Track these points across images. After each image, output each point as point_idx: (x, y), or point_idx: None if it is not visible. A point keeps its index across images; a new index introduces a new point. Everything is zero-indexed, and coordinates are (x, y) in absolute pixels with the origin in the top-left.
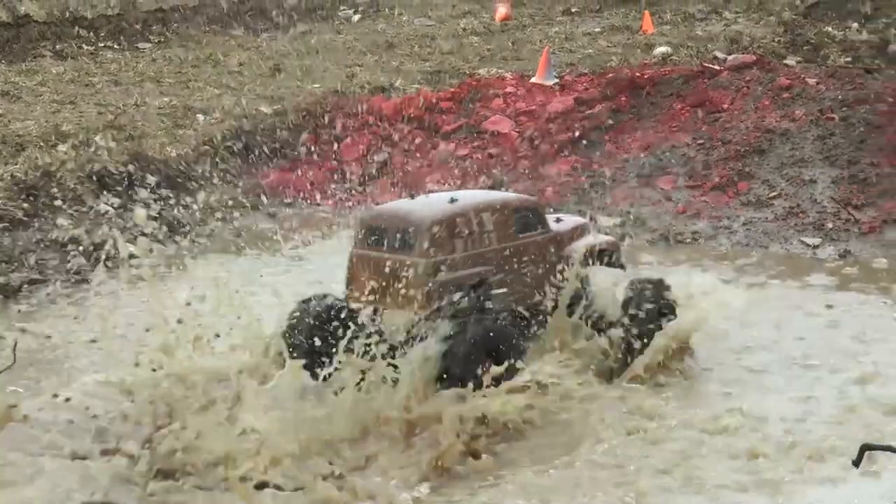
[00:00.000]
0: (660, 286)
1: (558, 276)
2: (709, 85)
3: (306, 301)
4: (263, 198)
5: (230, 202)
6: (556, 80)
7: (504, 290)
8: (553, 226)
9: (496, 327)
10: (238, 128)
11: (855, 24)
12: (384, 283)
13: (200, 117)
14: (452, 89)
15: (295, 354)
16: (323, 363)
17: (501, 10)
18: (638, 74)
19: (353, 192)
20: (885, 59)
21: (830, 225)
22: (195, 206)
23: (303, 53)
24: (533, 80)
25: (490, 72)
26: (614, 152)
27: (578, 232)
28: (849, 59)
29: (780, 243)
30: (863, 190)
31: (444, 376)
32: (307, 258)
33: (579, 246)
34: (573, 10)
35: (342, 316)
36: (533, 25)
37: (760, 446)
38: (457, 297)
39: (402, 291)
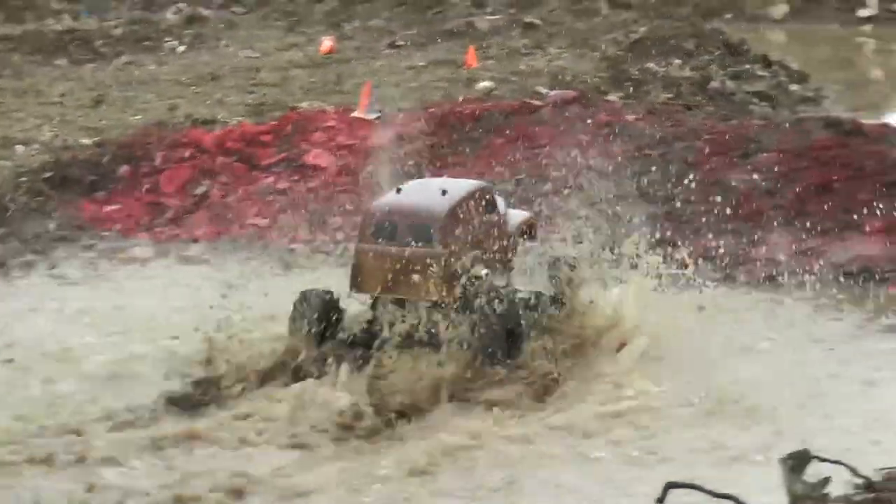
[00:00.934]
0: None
1: (508, 251)
2: (530, 120)
3: (305, 293)
4: (81, 230)
5: (46, 234)
6: (378, 114)
7: (486, 269)
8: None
9: (511, 305)
10: (57, 159)
11: (677, 61)
12: (400, 275)
13: (19, 148)
14: (274, 122)
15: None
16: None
17: (326, 43)
18: (460, 109)
19: (172, 224)
20: (705, 96)
21: (646, 262)
22: (12, 238)
23: (126, 85)
24: (355, 113)
25: (312, 105)
26: None
27: (505, 211)
28: (670, 95)
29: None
30: (678, 227)
31: (488, 355)
32: (124, 290)
33: (516, 222)
34: (398, 43)
35: (338, 307)
36: (358, 59)
37: None
38: (476, 280)
39: (424, 281)
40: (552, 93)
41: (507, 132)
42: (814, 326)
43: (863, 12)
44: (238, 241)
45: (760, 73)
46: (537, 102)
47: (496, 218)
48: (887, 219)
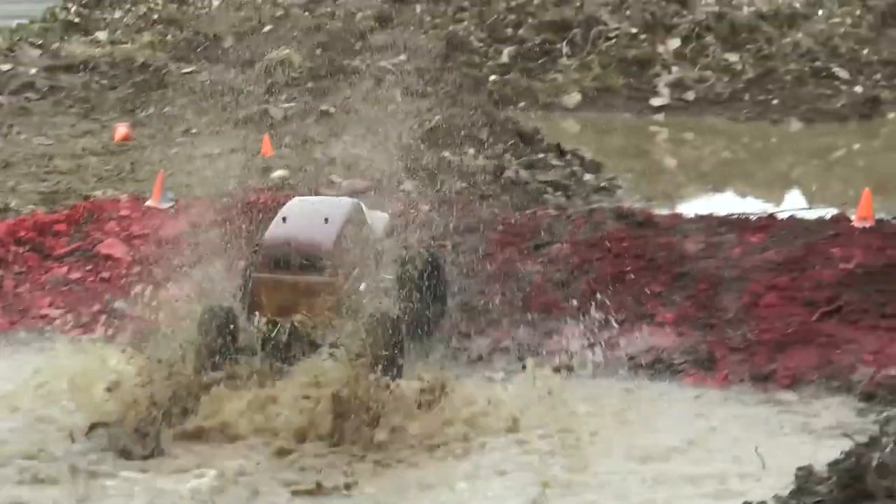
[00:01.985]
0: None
1: (379, 257)
2: None
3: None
4: None
5: None
6: (172, 204)
7: (363, 285)
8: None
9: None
10: None
11: (471, 150)
12: (296, 300)
13: None
14: (67, 211)
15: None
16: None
17: (121, 131)
18: (254, 198)
19: None
20: (499, 186)
21: (437, 356)
22: None
23: None
24: (148, 203)
25: (106, 193)
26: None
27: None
28: (464, 185)
29: None
30: (472, 319)
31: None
32: None
33: (381, 226)
34: (193, 130)
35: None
36: (152, 146)
37: None
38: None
39: (317, 306)
40: (346, 182)
41: None
42: None
43: (655, 101)
44: (32, 331)
45: (554, 162)
46: (331, 193)
47: (366, 232)
48: (679, 310)
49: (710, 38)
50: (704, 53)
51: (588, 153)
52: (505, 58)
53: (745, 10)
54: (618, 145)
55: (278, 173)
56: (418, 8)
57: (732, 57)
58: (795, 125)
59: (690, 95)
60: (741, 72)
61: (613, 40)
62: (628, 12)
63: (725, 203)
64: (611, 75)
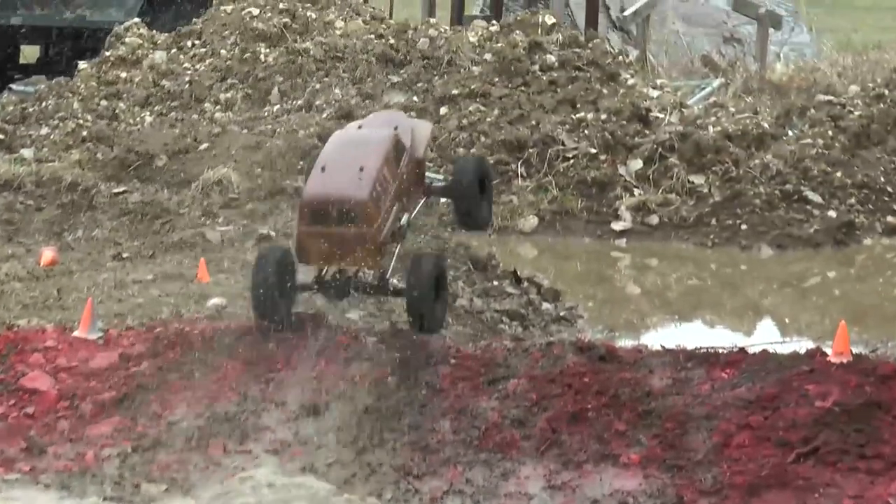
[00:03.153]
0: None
1: (422, 178)
2: (266, 340)
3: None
4: None
5: None
6: (101, 334)
7: (407, 217)
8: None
9: (439, 258)
10: None
11: None
12: (338, 251)
13: None
14: None
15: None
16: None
17: (47, 255)
18: (189, 328)
19: None
20: (452, 315)
21: (389, 495)
22: None
23: None
24: (76, 333)
25: (31, 322)
26: (161, 413)
27: (412, 131)
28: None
29: None
30: (424, 458)
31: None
32: None
33: (422, 141)
34: (124, 255)
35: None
36: (81, 271)
37: None
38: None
39: (359, 254)
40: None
41: (240, 355)
42: None
43: (616, 225)
44: None
45: (510, 290)
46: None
47: (407, 159)
48: (645, 450)
49: (673, 160)
50: (668, 175)
51: (546, 280)
52: None
53: (711, 129)
54: (578, 271)
55: (215, 301)
56: None
57: (698, 179)
58: (766, 251)
59: (654, 219)
60: (707, 195)
61: (571, 161)
62: (586, 132)
63: (693, 335)
64: (569, 198)
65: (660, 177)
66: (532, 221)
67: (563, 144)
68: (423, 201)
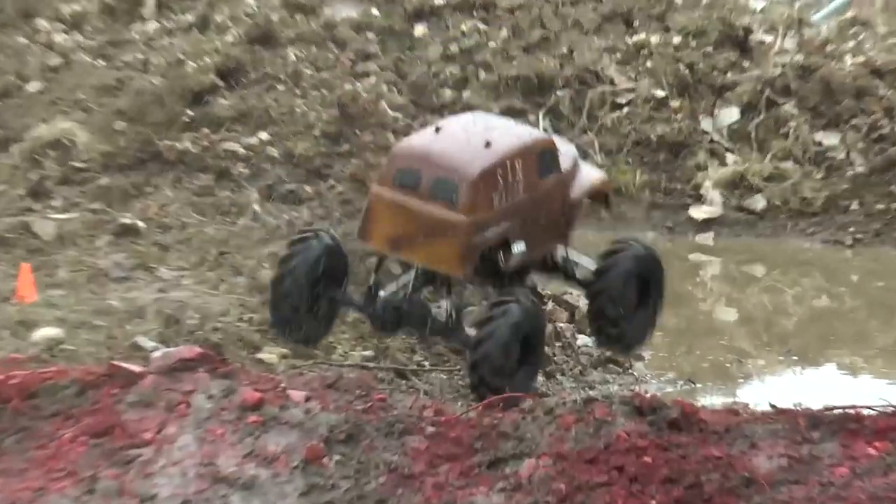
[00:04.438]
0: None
1: (567, 221)
2: (122, 399)
3: (301, 241)
4: None
5: None
6: None
7: (522, 247)
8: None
9: (531, 310)
10: None
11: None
12: (415, 235)
13: None
14: None
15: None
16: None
17: None
18: (2, 377)
19: None
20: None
21: None
22: None
23: None
24: None
25: None
26: None
27: (575, 167)
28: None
29: None
30: None
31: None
32: None
33: (583, 185)
34: None
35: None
36: None
37: None
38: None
39: (440, 248)
40: (160, 351)
41: (84, 418)
42: None
43: (698, 212)
44: None
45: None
46: (136, 367)
47: (554, 181)
48: None
49: (789, 107)
50: (780, 132)
51: (583, 299)
52: None
53: (848, 61)
54: None
55: (46, 332)
56: None
57: (829, 138)
58: None
59: (758, 202)
60: (845, 162)
61: (625, 109)
62: (649, 64)
63: (822, 385)
64: (622, 168)
65: (767, 134)
66: None
67: (613, 83)
68: (553, 262)
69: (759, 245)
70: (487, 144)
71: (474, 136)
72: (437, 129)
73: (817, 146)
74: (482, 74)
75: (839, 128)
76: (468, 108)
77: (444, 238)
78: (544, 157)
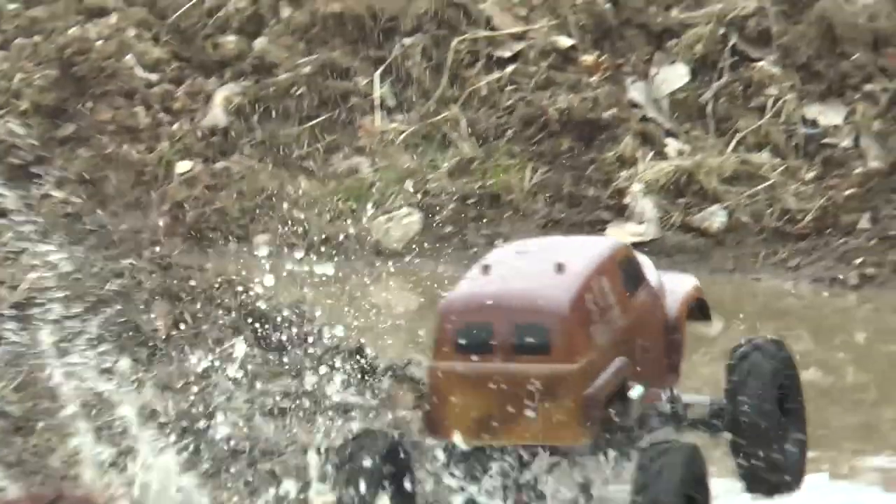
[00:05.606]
0: (779, 350)
1: (672, 346)
2: None
3: (364, 437)
4: None
5: None
6: None
7: (641, 390)
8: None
9: (693, 460)
10: None
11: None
12: (509, 408)
13: None
14: None
15: None
16: None
17: None
18: None
19: None
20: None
21: None
22: None
23: None
24: None
25: None
26: None
27: (655, 273)
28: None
29: None
30: None
31: None
32: None
33: (678, 296)
34: None
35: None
36: None
37: None
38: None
39: (549, 415)
40: None
41: None
42: None
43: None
44: None
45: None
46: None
47: (646, 295)
48: None
49: None
50: None
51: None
52: None
53: None
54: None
55: None
56: None
57: None
58: None
59: (717, 217)
60: None
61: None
62: None
63: None
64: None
65: (732, 109)
66: None
67: (491, 26)
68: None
69: (714, 285)
70: (559, 268)
71: (537, 263)
72: (486, 268)
73: (810, 127)
74: (284, 11)
75: (844, 98)
76: (262, 62)
77: (551, 400)
78: (626, 266)
